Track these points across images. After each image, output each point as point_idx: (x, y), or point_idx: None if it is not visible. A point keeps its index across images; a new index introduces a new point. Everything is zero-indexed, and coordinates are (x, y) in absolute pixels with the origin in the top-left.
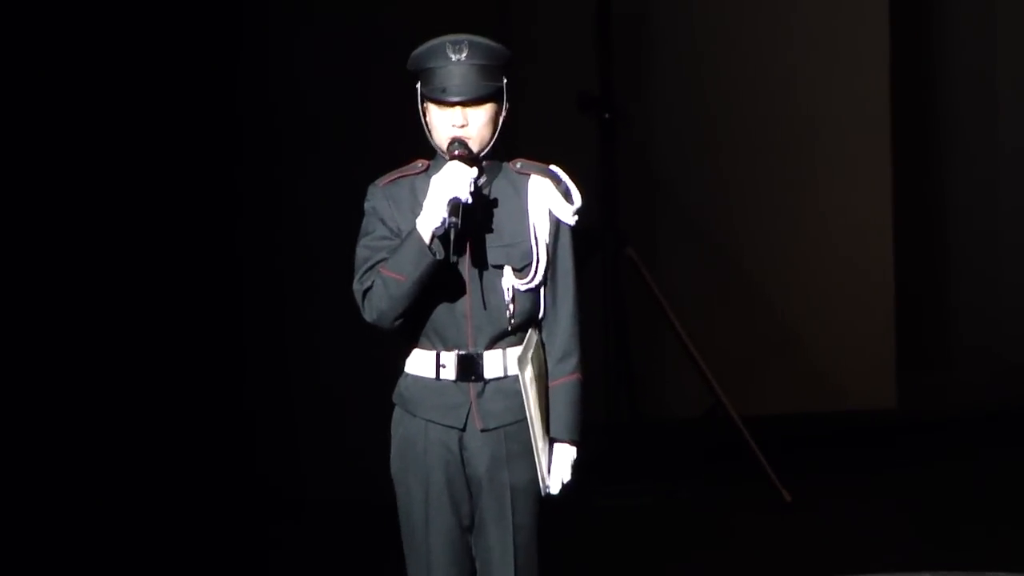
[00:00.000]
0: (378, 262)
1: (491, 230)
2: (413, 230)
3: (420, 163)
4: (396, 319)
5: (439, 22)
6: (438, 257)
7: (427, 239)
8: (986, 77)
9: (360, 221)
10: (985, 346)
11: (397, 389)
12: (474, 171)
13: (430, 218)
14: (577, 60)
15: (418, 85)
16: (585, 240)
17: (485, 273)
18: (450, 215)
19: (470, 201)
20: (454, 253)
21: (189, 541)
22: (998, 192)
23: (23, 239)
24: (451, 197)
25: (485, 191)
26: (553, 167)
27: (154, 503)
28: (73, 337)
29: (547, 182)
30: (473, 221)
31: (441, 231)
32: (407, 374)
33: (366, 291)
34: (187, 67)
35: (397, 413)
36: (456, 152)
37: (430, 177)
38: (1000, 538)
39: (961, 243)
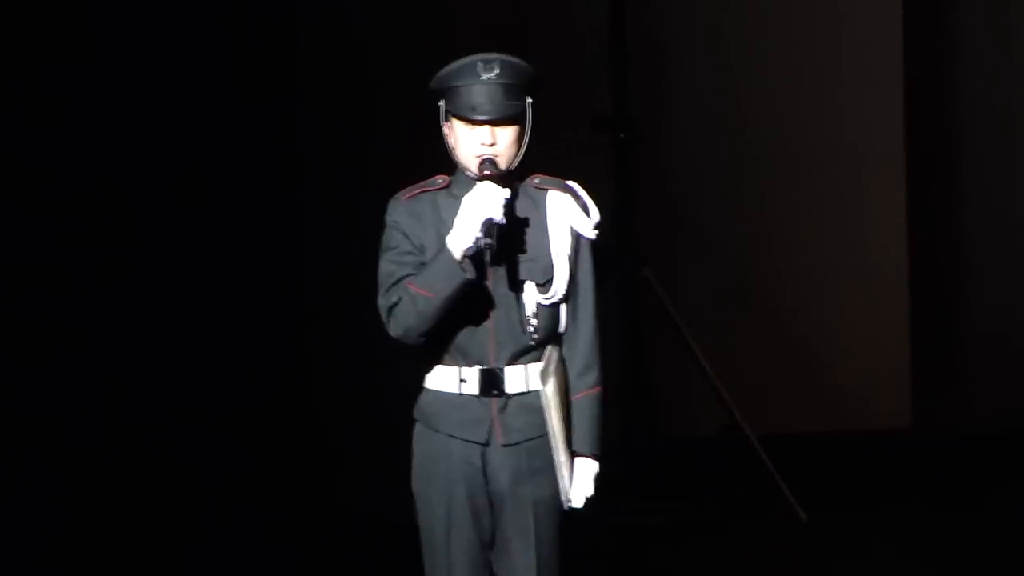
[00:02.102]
0: (403, 277)
1: (524, 250)
2: (444, 248)
3: (440, 178)
4: (421, 335)
5: (456, 43)
6: (469, 276)
7: (458, 257)
8: (1002, 95)
9: (379, 236)
10: (1001, 366)
11: (418, 405)
12: (506, 191)
13: (462, 237)
14: (591, 81)
15: (441, 103)
16: (603, 257)
17: (508, 289)
18: (485, 235)
19: (503, 222)
20: (485, 275)
21: (237, 559)
22: (1015, 213)
23: (60, 250)
24: (484, 217)
25: (513, 211)
26: (570, 182)
27: (197, 519)
28: (120, 356)
29: (566, 197)
30: (503, 239)
31: (473, 250)
32: (428, 390)
33: (392, 307)
34: (213, 66)
35: (418, 429)
36: (487, 171)
37: (452, 193)
38: (1017, 559)
39: (977, 263)
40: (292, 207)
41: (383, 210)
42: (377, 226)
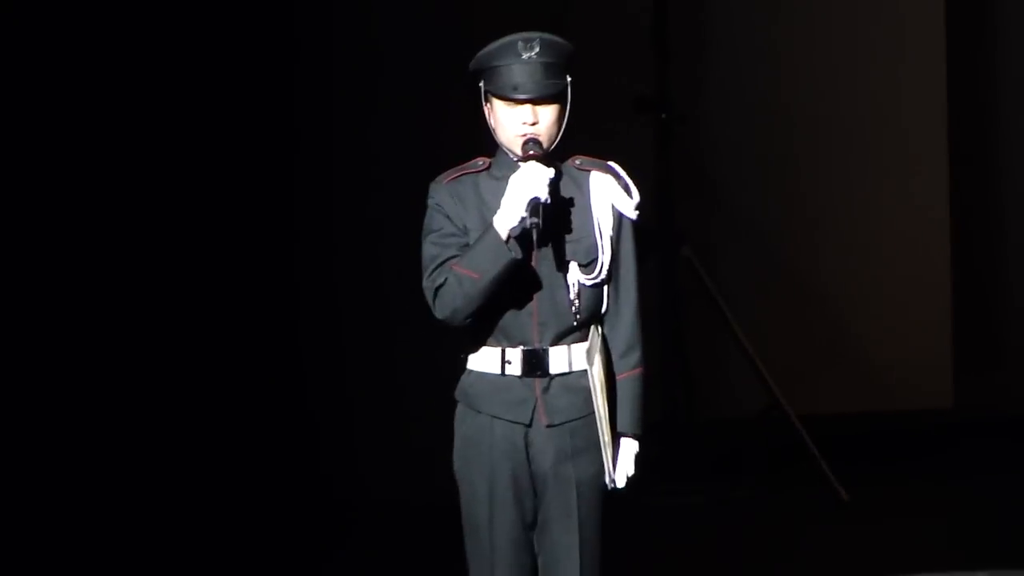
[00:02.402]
0: (448, 259)
1: (570, 230)
2: (490, 228)
3: (481, 161)
4: (468, 316)
5: (498, 23)
6: (516, 256)
7: (504, 237)
8: None
9: (419, 218)
10: None
11: (460, 386)
12: (551, 171)
13: (508, 217)
14: (634, 61)
15: (480, 84)
16: (643, 238)
17: (552, 270)
18: (531, 215)
19: (549, 201)
20: (535, 249)
21: (252, 543)
22: None
23: (75, 245)
24: (531, 197)
25: (558, 191)
26: (611, 163)
27: (213, 505)
28: (132, 336)
29: (608, 177)
30: (549, 220)
31: (519, 231)
32: (470, 371)
33: (438, 288)
34: (243, 68)
35: (460, 410)
36: (531, 152)
37: (493, 175)
38: None
39: (1019, 241)
40: (317, 197)
41: (402, 199)
42: (394, 212)
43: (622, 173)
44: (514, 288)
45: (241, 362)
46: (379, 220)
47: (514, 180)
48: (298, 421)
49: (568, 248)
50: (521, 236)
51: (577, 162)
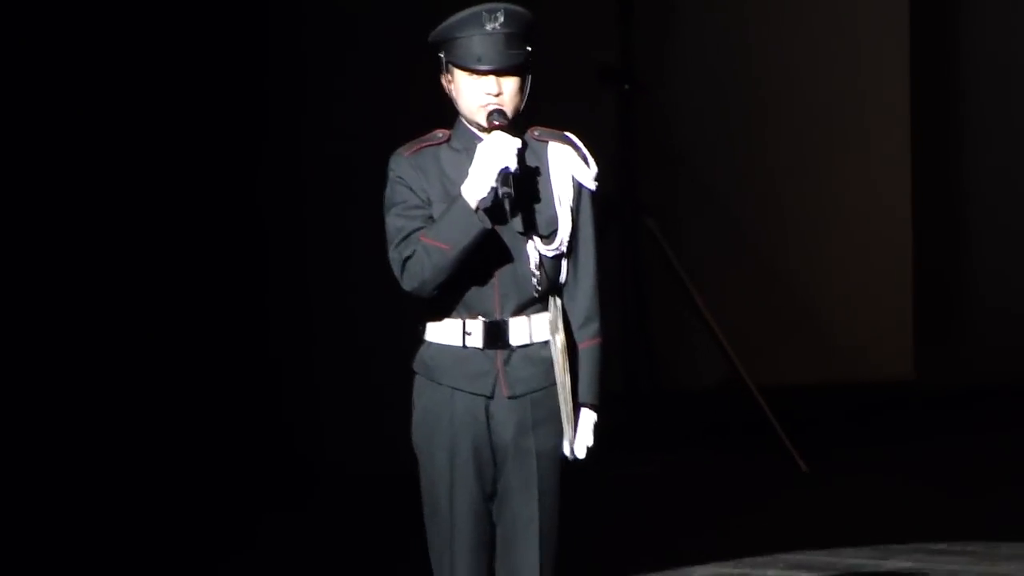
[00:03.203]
0: (414, 230)
1: (539, 200)
2: (459, 199)
3: (440, 133)
4: (436, 288)
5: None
6: (486, 227)
7: (474, 207)
8: (1007, 49)
9: (383, 189)
10: (1004, 317)
11: (419, 358)
12: (519, 141)
13: (477, 188)
14: (598, 32)
15: (441, 55)
16: (604, 209)
17: (512, 240)
18: (502, 185)
19: (518, 171)
20: (507, 221)
21: (212, 511)
22: (1018, 167)
23: (37, 230)
24: (500, 167)
25: (523, 160)
26: (568, 134)
27: (176, 473)
28: (99, 304)
29: (567, 148)
30: (519, 191)
31: (489, 201)
32: (430, 343)
33: (406, 259)
34: (210, 62)
35: (419, 382)
36: (497, 122)
37: (452, 146)
38: (1016, 508)
39: (981, 213)
40: (284, 173)
41: (367, 172)
42: (360, 185)
43: (580, 144)
44: (477, 259)
45: (210, 333)
46: (345, 192)
47: (482, 150)
48: (263, 389)
49: (529, 219)
50: (495, 207)
51: (536, 133)
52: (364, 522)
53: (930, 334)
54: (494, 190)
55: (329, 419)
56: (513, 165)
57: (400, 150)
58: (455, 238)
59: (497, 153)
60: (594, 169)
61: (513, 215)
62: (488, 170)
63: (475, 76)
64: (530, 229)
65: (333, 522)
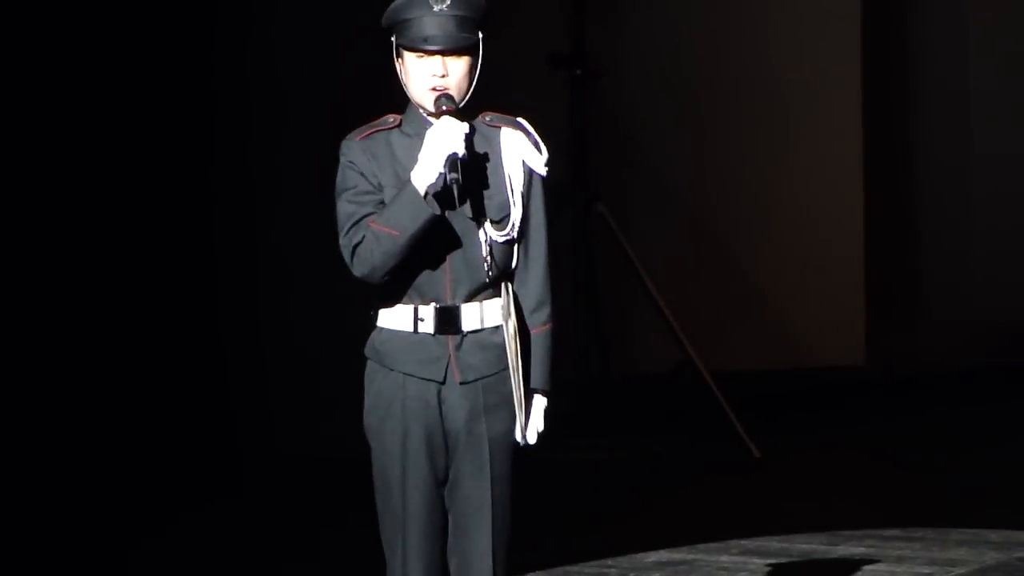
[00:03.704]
0: (365, 216)
1: (488, 186)
2: (408, 184)
3: (392, 118)
4: (386, 274)
5: None
6: (435, 212)
7: (422, 193)
8: (955, 38)
9: (333, 173)
10: (954, 303)
11: (370, 344)
12: (466, 125)
13: (426, 173)
14: (549, 17)
15: (393, 38)
16: (555, 195)
17: (463, 226)
18: (450, 171)
19: (466, 156)
20: (456, 207)
21: (162, 494)
22: (970, 149)
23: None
24: (448, 152)
25: (472, 145)
26: (520, 119)
27: (126, 458)
28: (53, 304)
29: (518, 134)
30: (467, 176)
31: (438, 187)
32: (381, 328)
33: (355, 246)
34: (160, 59)
35: (371, 368)
36: (444, 107)
37: (403, 131)
38: (966, 493)
39: (931, 200)
40: (233, 163)
41: (314, 158)
42: (307, 170)
43: (531, 129)
44: (428, 245)
45: (158, 323)
46: (294, 177)
47: (430, 135)
48: (210, 374)
49: (480, 205)
50: (443, 193)
51: (487, 118)
52: (315, 507)
53: (881, 319)
54: (443, 175)
55: (277, 405)
56: (461, 150)
57: (351, 135)
58: (404, 224)
59: (445, 138)
60: (545, 155)
61: (462, 201)
62: (436, 156)
63: (423, 57)
64: (480, 214)
65: (279, 506)
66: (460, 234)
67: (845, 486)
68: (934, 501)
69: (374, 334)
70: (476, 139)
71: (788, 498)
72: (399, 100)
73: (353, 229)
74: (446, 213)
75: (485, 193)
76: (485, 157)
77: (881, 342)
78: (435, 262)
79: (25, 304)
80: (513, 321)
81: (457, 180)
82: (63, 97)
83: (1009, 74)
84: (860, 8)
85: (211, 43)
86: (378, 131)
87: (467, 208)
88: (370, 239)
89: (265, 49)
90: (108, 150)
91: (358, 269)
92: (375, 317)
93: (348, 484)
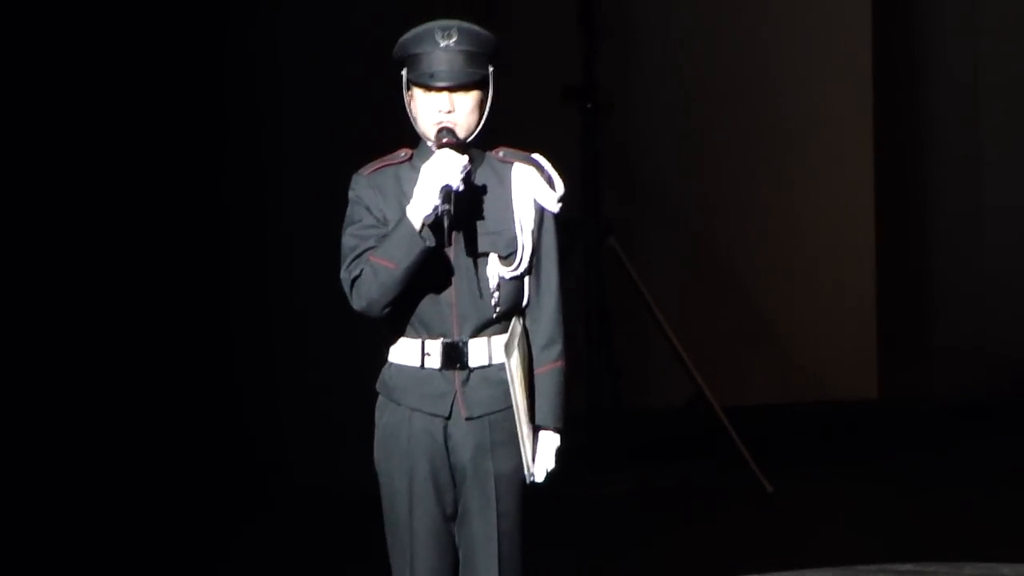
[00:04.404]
0: (366, 250)
1: (482, 217)
2: (404, 217)
3: (403, 152)
4: (385, 307)
5: (422, 11)
6: (429, 245)
7: (418, 226)
8: (967, 70)
9: (344, 211)
10: (967, 337)
11: (380, 378)
12: (465, 158)
13: (421, 205)
14: (561, 51)
15: (403, 72)
16: (567, 229)
17: (471, 262)
18: (443, 202)
19: (461, 188)
20: (447, 241)
21: (174, 527)
22: (982, 183)
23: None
24: (443, 185)
25: (472, 180)
26: (535, 155)
27: (138, 490)
28: (58, 326)
29: (531, 170)
30: (463, 208)
31: (432, 219)
32: (391, 363)
33: (355, 279)
34: (170, 63)
35: (380, 402)
36: (445, 140)
37: (414, 166)
38: (980, 528)
39: (944, 233)
40: (251, 187)
41: (325, 196)
42: (320, 207)
43: (546, 165)
44: (433, 280)
45: (168, 348)
46: (308, 209)
47: (426, 168)
48: (225, 406)
49: (488, 240)
50: (435, 224)
51: (500, 154)
52: (326, 541)
53: (893, 353)
54: (436, 207)
55: (292, 438)
56: (456, 183)
57: (362, 169)
58: (400, 257)
59: (440, 171)
60: (560, 191)
61: (456, 232)
62: (432, 188)
63: (430, 93)
64: (472, 247)
65: (295, 540)
66: (467, 269)
67: (857, 520)
68: (947, 535)
69: (384, 368)
70: (487, 174)
71: (800, 532)
72: (410, 134)
73: (354, 263)
74: (453, 247)
75: (494, 228)
76: (484, 190)
77: (894, 376)
78: (441, 297)
79: (25, 314)
80: (516, 357)
81: (449, 211)
82: (70, 98)
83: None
84: (871, 44)
85: (222, 44)
86: (388, 165)
87: (473, 243)
88: (368, 272)
89: (270, 50)
90: (116, 155)
91: (357, 302)
92: (386, 352)
93: (362, 518)
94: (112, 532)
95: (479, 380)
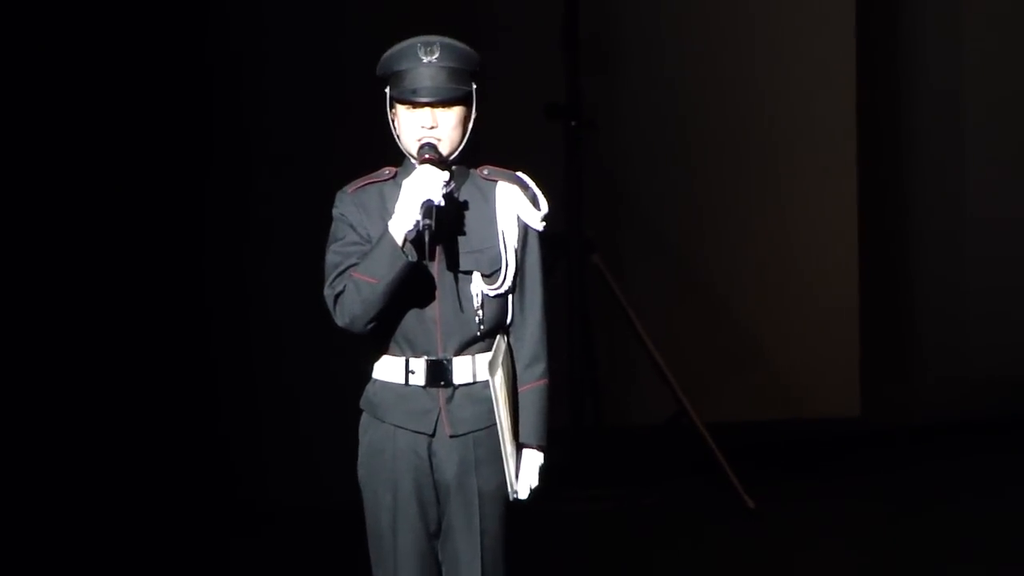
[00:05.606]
0: (349, 267)
1: (463, 233)
2: (385, 233)
3: (388, 170)
4: (368, 323)
5: (405, 28)
6: (411, 260)
7: (399, 242)
8: (951, 86)
9: (327, 227)
10: (949, 356)
11: (365, 395)
12: (446, 174)
13: (402, 221)
14: (545, 68)
15: (387, 89)
16: (551, 247)
17: (454, 279)
18: (423, 217)
19: (442, 204)
20: (428, 256)
21: (156, 548)
22: (964, 203)
23: None
24: (424, 200)
25: (454, 196)
26: (519, 174)
27: (119, 512)
28: (41, 344)
29: (515, 188)
30: (445, 225)
31: (414, 234)
32: (375, 380)
33: (338, 295)
34: (153, 68)
35: (365, 419)
36: (427, 156)
37: (398, 183)
38: (962, 546)
39: (926, 253)
40: (233, 206)
41: (311, 210)
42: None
43: (530, 184)
44: (417, 297)
45: (147, 366)
46: (289, 226)
47: (407, 183)
48: (206, 422)
49: (472, 258)
50: (417, 240)
51: (485, 172)
52: (309, 559)
53: (875, 371)
54: (417, 222)
55: (271, 455)
56: (437, 199)
57: (346, 187)
58: (382, 272)
59: (420, 186)
60: (544, 210)
61: (436, 247)
62: (412, 203)
63: (413, 109)
64: (456, 264)
65: (279, 558)
66: (450, 287)
67: (840, 537)
68: (930, 553)
69: (368, 386)
70: (471, 192)
71: (782, 549)
72: (394, 151)
73: (337, 279)
74: (437, 265)
75: (477, 247)
76: (471, 208)
77: (876, 393)
78: (426, 315)
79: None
80: (499, 375)
81: (429, 226)
82: (54, 100)
83: (1007, 134)
84: (855, 61)
85: (202, 47)
86: (372, 183)
87: (456, 261)
88: (351, 288)
89: (256, 55)
90: (97, 164)
91: (340, 318)
92: (370, 369)
93: (345, 536)
94: (94, 554)
95: (463, 398)
